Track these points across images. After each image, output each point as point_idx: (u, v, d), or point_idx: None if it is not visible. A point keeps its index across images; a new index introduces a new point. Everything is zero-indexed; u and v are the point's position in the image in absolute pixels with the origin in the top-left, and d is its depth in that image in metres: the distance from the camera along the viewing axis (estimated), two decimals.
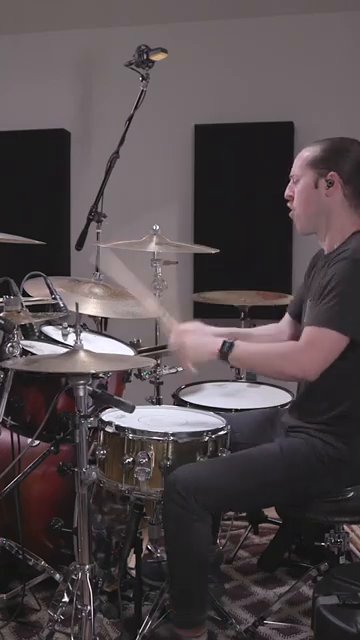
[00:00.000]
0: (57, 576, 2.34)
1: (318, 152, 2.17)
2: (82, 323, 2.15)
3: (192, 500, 1.96)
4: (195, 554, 2.00)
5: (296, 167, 2.21)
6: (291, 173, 2.24)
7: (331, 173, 2.14)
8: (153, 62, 3.20)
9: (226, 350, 2.13)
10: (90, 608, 1.93)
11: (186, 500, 1.96)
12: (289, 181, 2.24)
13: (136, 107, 3.22)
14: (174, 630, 2.06)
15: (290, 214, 2.26)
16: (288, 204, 2.25)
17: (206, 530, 2.02)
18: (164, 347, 2.90)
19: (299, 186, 2.20)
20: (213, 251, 3.05)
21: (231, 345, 2.13)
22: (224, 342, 2.14)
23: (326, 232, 2.20)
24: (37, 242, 2.49)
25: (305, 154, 2.20)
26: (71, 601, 2.04)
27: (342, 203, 2.15)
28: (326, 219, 2.18)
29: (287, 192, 2.25)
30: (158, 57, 3.20)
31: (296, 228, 2.28)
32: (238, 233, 4.13)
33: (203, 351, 2.18)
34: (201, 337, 2.24)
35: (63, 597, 2.11)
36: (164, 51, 3.19)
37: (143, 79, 3.22)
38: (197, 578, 2.03)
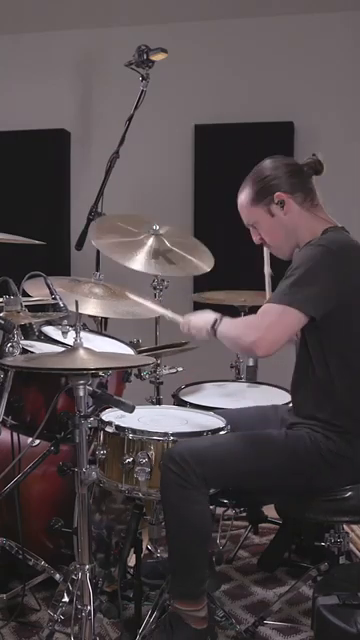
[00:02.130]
0: (57, 576, 2.34)
1: (251, 190, 2.24)
2: (82, 322, 2.15)
3: (190, 470, 1.98)
4: (193, 523, 2.01)
5: (245, 216, 2.30)
6: (246, 224, 2.31)
7: (276, 194, 2.19)
8: (153, 62, 3.21)
9: (215, 326, 2.16)
10: (90, 608, 1.93)
11: (184, 469, 1.98)
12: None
13: (136, 107, 3.22)
14: (173, 605, 2.06)
15: (275, 254, 2.32)
16: (264, 247, 2.34)
17: (204, 500, 2.03)
18: (164, 347, 2.90)
19: (260, 227, 2.27)
20: (207, 269, 3.07)
21: (217, 323, 2.16)
22: (215, 320, 2.17)
23: (301, 242, 2.21)
24: (37, 242, 2.49)
25: (242, 201, 2.28)
26: (71, 601, 2.04)
27: (300, 212, 2.20)
28: (296, 235, 2.21)
29: (255, 240, 2.32)
30: (158, 57, 3.20)
31: (283, 259, 2.30)
32: (238, 233, 4.13)
33: (201, 330, 2.21)
34: (201, 316, 2.25)
35: (63, 597, 2.11)
36: (164, 51, 3.19)
37: (143, 79, 3.22)
38: (196, 548, 2.03)
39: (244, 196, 2.27)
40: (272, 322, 2.04)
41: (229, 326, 2.16)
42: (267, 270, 2.51)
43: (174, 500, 2.00)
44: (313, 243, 2.10)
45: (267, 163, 2.26)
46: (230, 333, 2.15)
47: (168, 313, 2.40)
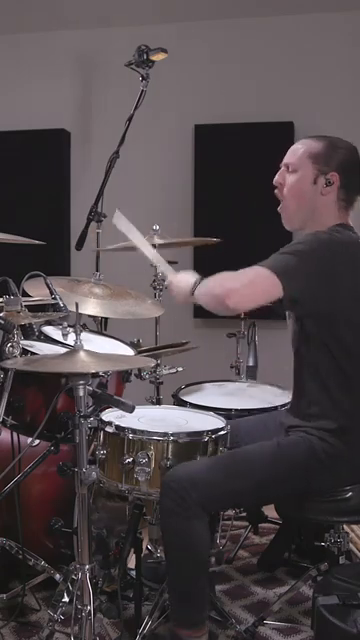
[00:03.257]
0: (57, 576, 2.34)
1: (321, 148, 2.15)
2: (82, 323, 2.15)
3: (188, 497, 1.96)
4: (193, 552, 1.99)
5: (294, 156, 2.18)
6: (285, 161, 2.20)
7: (332, 173, 2.13)
8: (153, 62, 3.21)
9: (197, 284, 2.13)
10: (90, 608, 1.93)
11: (182, 497, 1.96)
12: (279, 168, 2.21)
13: (136, 107, 3.22)
14: (174, 630, 2.05)
15: (279, 209, 2.23)
16: (276, 191, 2.22)
17: (204, 528, 2.02)
18: (164, 347, 2.90)
19: (295, 177, 2.17)
20: (214, 240, 3.05)
21: (198, 285, 2.13)
22: (194, 282, 2.13)
23: (310, 226, 2.17)
24: (37, 242, 2.49)
25: (307, 146, 2.17)
26: (71, 601, 2.05)
27: (333, 204, 2.16)
28: (312, 216, 2.17)
29: (277, 178, 2.21)
30: (158, 57, 3.20)
31: (283, 221, 2.25)
32: (238, 233, 4.13)
33: (181, 292, 2.19)
34: (183, 277, 2.22)
35: (63, 597, 2.12)
36: (164, 51, 3.20)
37: (143, 79, 3.22)
38: (196, 577, 2.02)
39: (309, 144, 2.16)
40: (251, 279, 2.00)
41: (206, 280, 2.12)
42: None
43: (174, 530, 1.99)
44: (315, 232, 2.09)
45: (349, 144, 2.18)
46: (206, 285, 2.10)
47: (160, 265, 2.36)
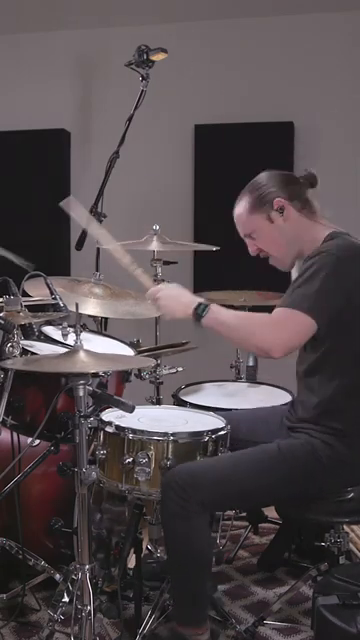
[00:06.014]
0: (57, 576, 2.34)
1: (249, 199, 2.22)
2: (82, 323, 2.15)
3: (188, 497, 1.96)
4: (195, 552, 2.00)
5: (242, 226, 2.27)
6: (243, 234, 2.28)
7: (275, 200, 2.18)
8: (153, 62, 3.20)
9: (200, 312, 2.11)
10: (90, 608, 1.93)
11: (182, 497, 1.96)
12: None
13: (136, 107, 3.22)
14: (176, 628, 2.06)
15: (271, 262, 2.29)
16: (260, 255, 2.29)
17: (205, 527, 2.03)
18: (164, 347, 2.90)
19: (259, 236, 2.24)
20: (214, 248, 3.05)
21: (206, 307, 2.11)
22: (200, 303, 2.12)
23: (303, 252, 2.20)
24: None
25: (239, 211, 2.25)
26: (71, 601, 2.05)
27: (300, 219, 2.19)
28: (297, 243, 2.20)
29: (252, 251, 2.29)
30: (158, 57, 3.20)
31: (281, 269, 2.30)
32: (238, 233, 4.13)
33: (177, 306, 2.18)
34: (179, 291, 2.22)
35: (63, 597, 2.12)
36: (164, 51, 3.19)
37: (143, 79, 3.22)
38: (197, 576, 2.03)
39: (241, 206, 2.25)
40: (289, 328, 2.04)
41: (234, 320, 2.12)
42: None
43: (176, 531, 2.00)
44: (332, 251, 2.07)
45: (262, 175, 2.27)
46: (241, 329, 2.11)
47: (139, 274, 2.35)
